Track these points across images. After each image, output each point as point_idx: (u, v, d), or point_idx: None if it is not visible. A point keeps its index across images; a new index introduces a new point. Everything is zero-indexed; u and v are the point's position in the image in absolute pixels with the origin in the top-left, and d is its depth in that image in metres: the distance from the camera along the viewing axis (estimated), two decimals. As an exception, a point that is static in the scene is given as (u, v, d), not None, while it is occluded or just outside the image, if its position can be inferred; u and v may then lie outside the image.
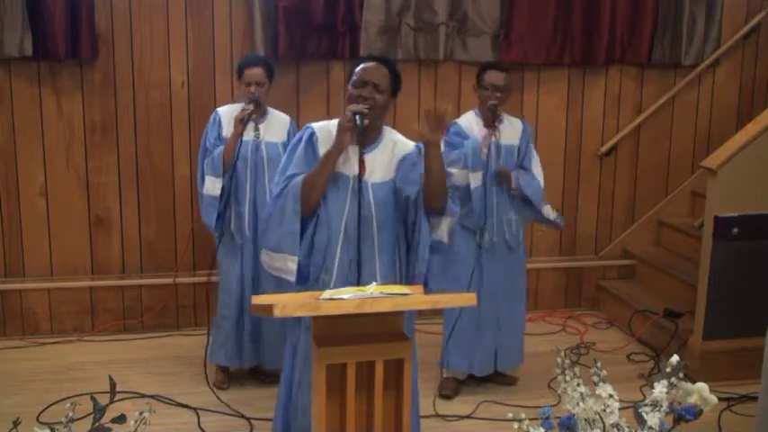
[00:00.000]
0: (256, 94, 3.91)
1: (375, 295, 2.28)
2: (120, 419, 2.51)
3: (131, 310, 4.87)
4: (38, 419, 3.63)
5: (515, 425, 2.52)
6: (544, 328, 5.03)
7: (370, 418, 2.32)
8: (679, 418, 2.56)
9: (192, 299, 4.92)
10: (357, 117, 2.68)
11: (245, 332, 4.04)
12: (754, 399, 3.42)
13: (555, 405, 3.15)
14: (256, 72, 3.94)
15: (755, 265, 4.12)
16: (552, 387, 4.04)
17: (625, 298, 5.07)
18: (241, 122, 3.83)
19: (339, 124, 2.72)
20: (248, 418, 3.75)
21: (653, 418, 2.52)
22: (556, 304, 5.38)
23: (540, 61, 5.14)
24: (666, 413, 2.56)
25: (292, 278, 2.75)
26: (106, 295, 4.83)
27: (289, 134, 4.04)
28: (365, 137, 2.74)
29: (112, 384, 2.58)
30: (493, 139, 3.86)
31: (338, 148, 2.73)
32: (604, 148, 5.33)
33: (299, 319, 2.78)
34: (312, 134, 2.85)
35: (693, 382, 2.61)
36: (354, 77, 2.80)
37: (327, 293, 2.33)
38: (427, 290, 2.82)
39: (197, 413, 3.80)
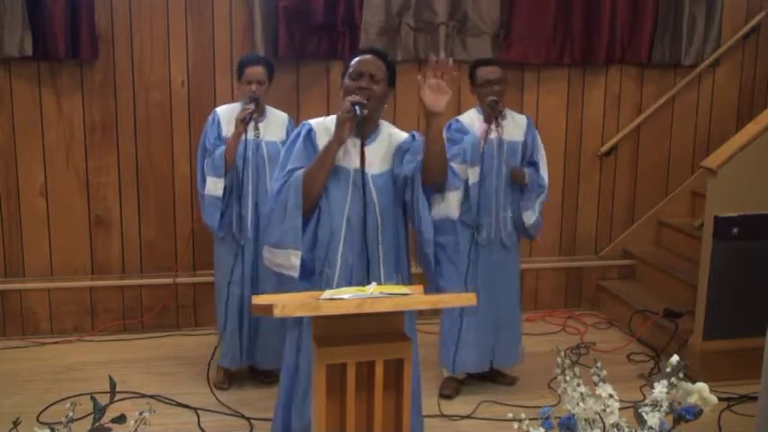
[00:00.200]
0: (257, 92, 3.91)
1: (375, 295, 2.28)
2: (120, 419, 2.51)
3: (131, 310, 4.87)
4: (38, 419, 3.63)
5: (515, 425, 2.52)
6: (544, 328, 5.04)
7: (370, 418, 2.32)
8: (679, 418, 2.56)
9: (192, 299, 4.92)
10: (356, 108, 2.68)
11: (245, 332, 4.04)
12: (754, 399, 3.42)
13: (555, 405, 3.15)
14: (257, 71, 3.94)
15: (755, 265, 4.12)
16: (552, 387, 4.04)
17: (625, 298, 5.07)
18: (243, 122, 3.82)
19: (338, 116, 2.72)
20: (248, 418, 3.75)
21: (653, 418, 2.52)
22: (556, 304, 5.38)
23: (540, 61, 5.14)
24: (666, 413, 2.56)
25: (295, 274, 2.73)
26: (106, 295, 4.83)
27: (287, 132, 4.03)
28: (363, 129, 2.74)
29: (112, 384, 2.57)
30: (494, 134, 3.85)
31: (338, 140, 2.73)
32: (604, 148, 5.33)
33: (299, 318, 2.78)
34: (310, 130, 2.86)
35: (693, 382, 2.61)
36: (351, 70, 2.80)
37: (327, 293, 2.33)
38: (430, 289, 2.82)
39: (197, 413, 3.80)
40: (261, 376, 4.17)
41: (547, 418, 2.58)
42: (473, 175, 3.84)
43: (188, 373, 4.25)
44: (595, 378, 2.59)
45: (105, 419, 2.51)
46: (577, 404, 2.55)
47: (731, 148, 4.10)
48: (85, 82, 4.71)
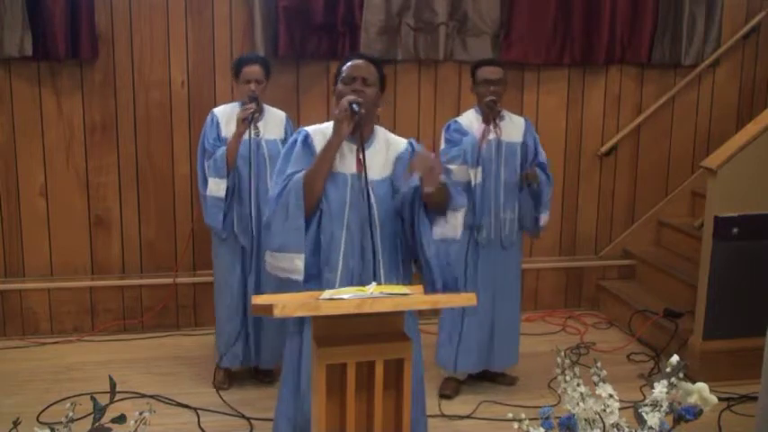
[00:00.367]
0: (256, 92, 3.91)
1: (375, 295, 2.28)
2: (120, 419, 2.51)
3: (131, 310, 4.87)
4: (38, 419, 3.63)
5: (515, 425, 2.52)
6: (544, 328, 5.04)
7: (370, 418, 2.31)
8: (679, 418, 2.56)
9: (192, 299, 4.92)
10: (353, 106, 2.69)
11: (250, 333, 4.04)
12: (754, 399, 3.43)
13: (555, 405, 3.16)
14: (255, 70, 3.94)
15: (755, 265, 4.12)
16: (552, 387, 4.04)
17: (625, 298, 5.07)
18: (244, 122, 3.81)
19: (335, 117, 2.73)
20: (248, 418, 3.75)
21: (653, 418, 2.52)
22: (556, 304, 5.39)
23: (540, 61, 5.14)
24: (666, 413, 2.56)
25: (300, 277, 2.72)
26: (106, 295, 4.83)
27: (286, 131, 4.03)
28: (359, 134, 2.73)
29: (112, 384, 2.57)
30: (493, 135, 3.85)
31: (338, 139, 2.73)
32: (604, 148, 5.33)
33: (301, 324, 2.77)
34: (307, 135, 2.86)
35: (693, 382, 2.61)
36: (343, 75, 2.82)
37: (327, 293, 2.32)
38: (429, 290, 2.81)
39: (197, 413, 3.80)
40: (261, 376, 4.17)
41: (547, 418, 2.58)
42: (474, 176, 3.84)
43: (188, 373, 4.25)
44: (595, 378, 2.59)
45: (105, 419, 2.51)
46: (577, 404, 2.55)
47: (731, 148, 4.10)
48: (85, 82, 4.71)
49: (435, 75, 5.09)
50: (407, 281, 2.88)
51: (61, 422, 2.48)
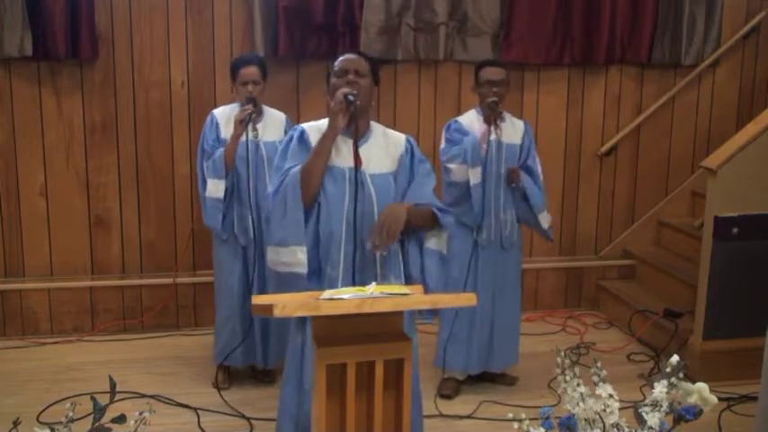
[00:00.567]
0: (253, 93, 3.91)
1: (375, 295, 2.28)
2: (120, 419, 2.51)
3: (131, 310, 4.87)
4: (38, 419, 3.63)
5: (515, 425, 2.52)
6: (544, 328, 5.04)
7: (370, 418, 2.32)
8: (679, 418, 2.56)
9: (192, 299, 4.92)
10: (349, 97, 2.71)
11: (251, 333, 4.04)
12: (754, 399, 3.42)
13: (555, 405, 3.15)
14: (252, 71, 3.94)
15: (755, 265, 4.12)
16: (552, 387, 4.04)
17: (625, 298, 5.07)
18: (242, 123, 3.82)
19: (330, 109, 2.74)
20: (248, 418, 3.75)
21: (653, 418, 2.52)
22: (556, 304, 5.38)
23: (540, 61, 5.14)
24: (666, 413, 2.56)
25: (303, 270, 2.71)
26: (106, 295, 4.83)
27: (285, 132, 4.03)
28: (355, 128, 2.74)
29: (112, 384, 2.57)
30: (493, 136, 3.85)
31: (333, 131, 2.74)
32: (604, 148, 5.33)
33: (303, 322, 2.77)
34: (303, 132, 2.87)
35: (693, 382, 2.61)
36: (336, 68, 2.85)
37: (327, 293, 2.33)
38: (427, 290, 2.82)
39: (197, 413, 3.80)
40: (261, 376, 4.17)
41: (547, 418, 2.58)
42: (474, 175, 3.84)
43: (188, 373, 4.25)
44: (595, 378, 2.59)
45: (105, 419, 2.51)
46: (577, 404, 2.55)
47: (731, 148, 4.10)
48: (85, 82, 4.71)
49: (435, 75, 5.09)
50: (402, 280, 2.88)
51: (61, 422, 2.48)
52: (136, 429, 2.56)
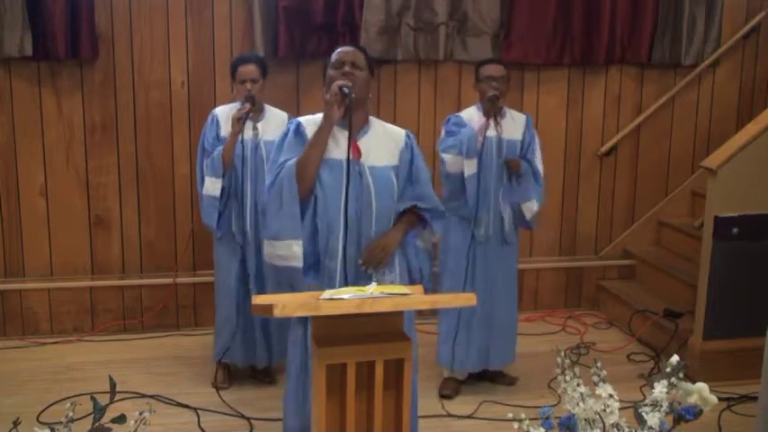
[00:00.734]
0: (252, 91, 3.91)
1: (375, 295, 2.28)
2: (120, 419, 2.51)
3: (131, 310, 4.87)
4: (38, 419, 3.63)
5: (515, 425, 2.52)
6: (544, 328, 5.04)
7: (370, 418, 2.32)
8: (679, 418, 2.56)
9: (192, 299, 4.92)
10: (344, 88, 2.71)
11: (257, 332, 4.04)
12: (754, 399, 3.42)
13: (555, 405, 3.15)
14: (250, 69, 3.94)
15: (755, 265, 4.12)
16: (552, 387, 4.04)
17: (625, 298, 5.07)
18: (239, 121, 3.83)
19: (326, 101, 2.75)
20: (248, 418, 3.75)
21: (653, 418, 2.52)
22: (556, 304, 5.38)
23: (540, 61, 5.14)
24: (666, 413, 2.56)
25: (299, 264, 2.72)
26: (106, 295, 4.83)
27: None
28: (353, 121, 2.74)
29: (112, 384, 2.57)
30: (493, 132, 3.85)
31: (329, 123, 2.75)
32: (604, 148, 5.33)
33: (304, 318, 2.77)
34: (299, 125, 2.88)
35: (693, 382, 2.61)
36: (332, 61, 2.89)
37: (327, 293, 2.33)
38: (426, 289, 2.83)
39: (197, 413, 3.80)
40: (260, 376, 4.17)
41: (547, 418, 2.58)
42: (469, 167, 3.82)
43: (188, 373, 4.25)
44: (595, 378, 2.59)
45: (105, 419, 2.51)
46: (577, 404, 2.55)
47: (731, 148, 4.10)
48: (85, 82, 4.71)
49: (435, 75, 5.09)
50: (398, 279, 2.89)
51: (61, 422, 2.48)
52: (136, 429, 2.56)
